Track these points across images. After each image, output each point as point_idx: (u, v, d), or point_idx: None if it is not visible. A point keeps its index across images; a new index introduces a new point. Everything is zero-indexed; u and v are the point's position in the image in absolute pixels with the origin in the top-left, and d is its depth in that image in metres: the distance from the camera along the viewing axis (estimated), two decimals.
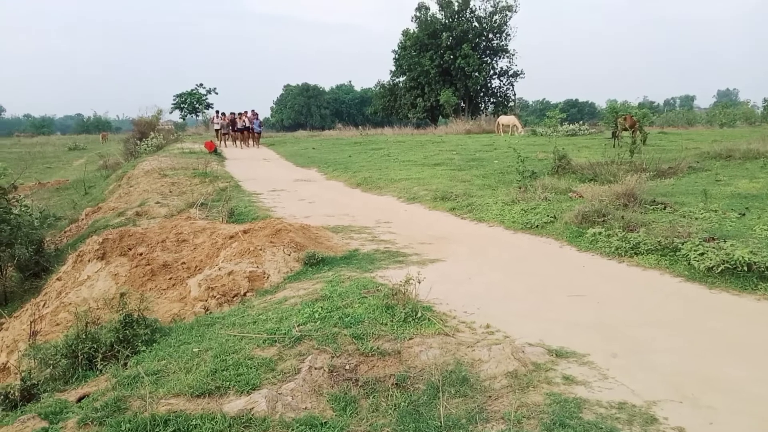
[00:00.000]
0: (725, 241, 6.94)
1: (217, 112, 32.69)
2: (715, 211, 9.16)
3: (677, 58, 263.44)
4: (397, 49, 56.93)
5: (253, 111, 32.37)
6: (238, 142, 31.24)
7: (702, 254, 6.76)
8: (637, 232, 7.97)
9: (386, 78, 60.68)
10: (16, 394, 4.82)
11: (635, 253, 7.55)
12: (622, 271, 7.15)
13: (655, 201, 9.99)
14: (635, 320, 5.46)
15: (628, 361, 4.54)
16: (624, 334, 5.10)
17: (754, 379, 4.22)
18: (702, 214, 9.04)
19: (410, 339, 4.86)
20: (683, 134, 27.92)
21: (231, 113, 31.89)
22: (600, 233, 8.31)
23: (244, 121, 31.02)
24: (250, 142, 31.40)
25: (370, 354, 4.62)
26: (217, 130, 31.28)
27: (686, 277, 6.66)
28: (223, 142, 30.35)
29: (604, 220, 8.74)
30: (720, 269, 6.41)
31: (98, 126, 77.82)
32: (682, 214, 9.09)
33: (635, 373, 4.32)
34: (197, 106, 57.13)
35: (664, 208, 9.55)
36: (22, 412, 4.31)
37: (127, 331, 5.37)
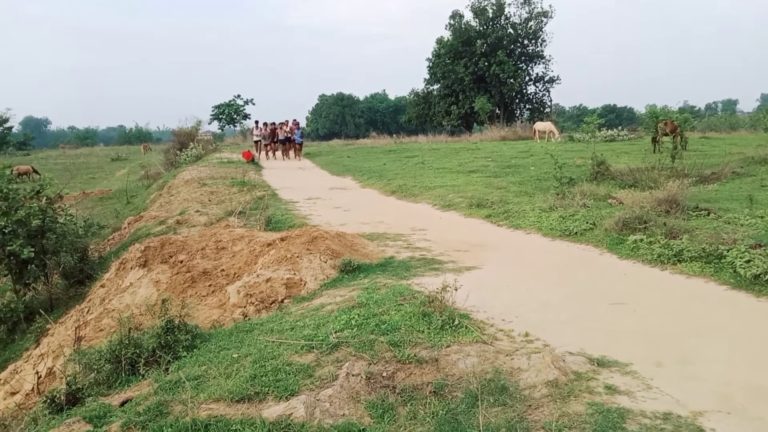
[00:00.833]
0: None
1: (257, 122, 30.69)
2: (762, 217, 8.86)
3: (719, 61, 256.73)
4: (431, 57, 56.96)
5: (294, 120, 30.57)
6: (278, 154, 29.92)
7: (748, 261, 6.55)
8: (680, 239, 7.77)
9: (420, 86, 60.78)
10: (62, 398, 4.93)
11: (678, 261, 7.36)
12: (665, 279, 6.97)
13: (698, 207, 9.73)
14: (680, 329, 5.31)
15: (673, 371, 4.42)
16: (668, 343, 4.97)
17: None
18: (747, 220, 8.75)
19: (447, 347, 4.82)
20: (726, 139, 27.20)
21: (272, 123, 30.14)
22: (641, 240, 8.13)
23: (285, 131, 29.52)
24: (291, 153, 29.91)
25: (407, 361, 4.60)
26: (256, 142, 29.84)
27: (732, 285, 6.46)
28: (263, 154, 29.40)
29: (645, 227, 8.55)
30: (767, 277, 6.20)
31: (140, 137, 79.74)
32: (727, 220, 8.82)
33: (680, 383, 4.20)
34: (235, 116, 58.30)
35: (708, 215, 9.29)
36: (67, 415, 4.42)
37: (169, 337, 5.47)
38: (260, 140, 29.38)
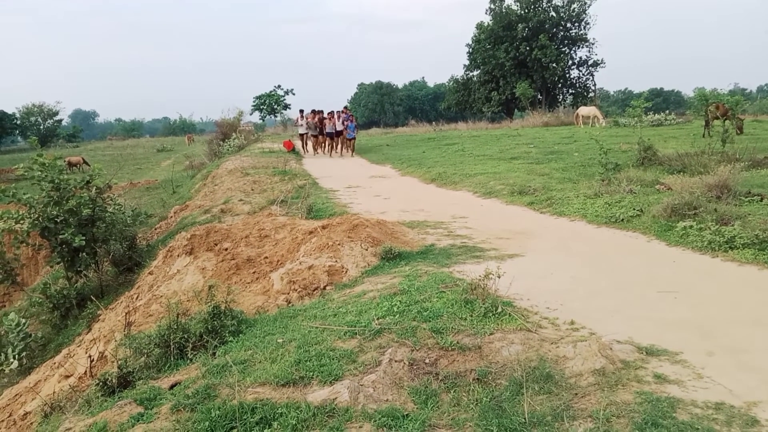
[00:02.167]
0: None
1: (302, 111, 26.35)
2: None
3: None
4: (470, 42, 56.28)
5: (345, 109, 25.79)
6: (326, 149, 25.58)
7: None
8: (732, 226, 7.51)
9: (459, 73, 60.15)
10: (114, 381, 5.07)
11: (730, 248, 7.12)
12: (716, 267, 6.75)
13: (750, 192, 9.39)
14: (732, 318, 5.14)
15: (726, 361, 4.29)
16: (720, 332, 4.82)
17: None
18: None
19: (491, 334, 4.78)
20: None
21: (319, 112, 25.73)
22: (691, 227, 7.89)
23: (334, 123, 24.75)
24: (340, 148, 25.50)
25: (449, 348, 4.59)
26: (301, 135, 26.29)
27: None
28: (310, 147, 25.83)
29: (695, 213, 8.29)
30: None
31: (184, 128, 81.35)
32: None
33: (733, 373, 4.07)
34: (275, 107, 58.80)
35: (761, 200, 8.96)
36: (119, 397, 4.55)
37: (215, 322, 5.57)
38: (307, 132, 25.79)
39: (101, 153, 49.14)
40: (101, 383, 5.08)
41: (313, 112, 25.75)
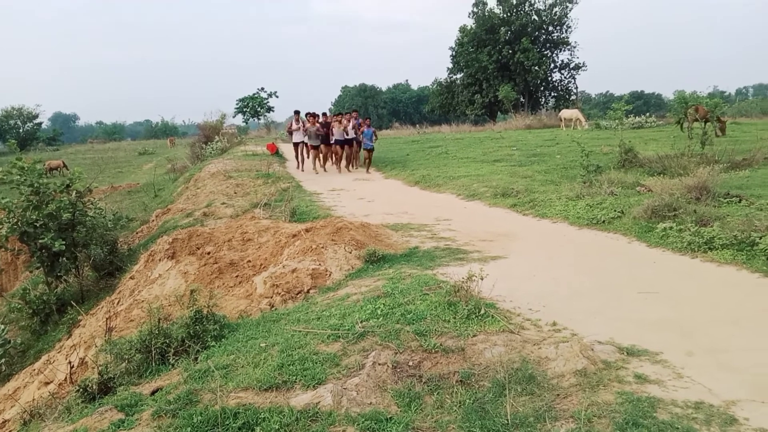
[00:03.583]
0: None
1: (297, 113, 20.12)
2: None
3: (750, 44, 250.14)
4: (454, 45, 56.47)
5: (355, 112, 20.86)
6: (333, 163, 19.98)
7: None
8: (711, 227, 7.61)
9: (443, 75, 60.34)
10: (94, 387, 5.02)
11: (709, 249, 7.21)
12: (695, 267, 6.84)
13: (729, 194, 9.53)
14: (711, 318, 5.21)
15: (705, 360, 4.34)
16: (700, 332, 4.88)
17: None
18: None
19: (474, 336, 4.80)
20: (758, 124, 26.55)
21: (322, 115, 20.57)
22: (671, 228, 7.98)
23: (344, 128, 19.06)
24: (350, 161, 20.05)
25: (433, 351, 4.60)
26: (296, 144, 20.07)
27: (765, 273, 6.32)
28: (310, 161, 19.99)
29: (675, 215, 8.40)
30: None
31: (166, 131, 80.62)
32: (759, 207, 8.60)
33: (713, 372, 4.13)
34: (259, 109, 58.53)
35: (739, 201, 9.09)
36: (100, 404, 4.49)
37: (197, 327, 5.53)
38: (303, 141, 19.80)
39: (82, 156, 48.55)
40: (81, 390, 5.02)
41: (313, 116, 19.81)
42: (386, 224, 9.93)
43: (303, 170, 19.76)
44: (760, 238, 6.83)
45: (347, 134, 19.28)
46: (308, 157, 20.27)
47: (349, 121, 19.56)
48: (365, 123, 19.56)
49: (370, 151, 19.46)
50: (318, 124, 19.37)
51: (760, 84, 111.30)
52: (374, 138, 19.42)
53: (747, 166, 13.20)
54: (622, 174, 12.51)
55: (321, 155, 19.80)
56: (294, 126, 19.78)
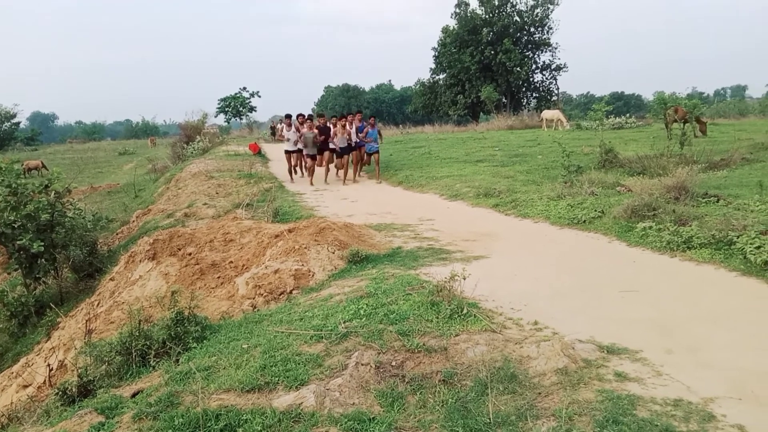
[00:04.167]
0: None
1: (289, 116, 17.57)
2: None
3: (727, 47, 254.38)
4: (436, 46, 56.59)
5: (358, 112, 18.18)
6: (333, 171, 17.38)
7: (758, 247, 6.50)
8: (690, 226, 7.72)
9: (426, 76, 60.46)
10: (74, 390, 4.96)
11: (688, 248, 7.32)
12: (674, 266, 6.94)
13: (707, 194, 9.68)
14: (690, 316, 5.29)
15: (684, 358, 4.41)
16: (679, 330, 4.95)
17: None
18: (757, 206, 8.69)
19: (456, 336, 4.82)
20: (735, 125, 26.98)
21: (319, 116, 17.70)
22: (650, 227, 8.08)
23: (348, 133, 16.51)
24: (354, 169, 17.36)
25: (416, 350, 4.61)
26: (289, 153, 17.35)
27: (742, 272, 6.42)
28: (306, 171, 17.13)
29: (654, 214, 8.50)
30: None
31: (146, 131, 79.83)
32: (737, 206, 8.76)
33: (691, 370, 4.19)
34: (241, 109, 58.22)
35: (717, 201, 9.23)
36: (79, 407, 4.44)
37: (179, 329, 5.49)
38: (297, 149, 17.14)
39: (61, 156, 47.92)
40: (61, 392, 4.97)
41: (308, 118, 17.21)
42: (369, 224, 9.93)
43: (293, 179, 17.41)
44: (738, 237, 6.94)
45: (351, 140, 16.67)
46: (303, 173, 17.44)
47: (352, 123, 16.93)
48: (370, 123, 17.16)
49: (375, 154, 17.19)
50: (316, 130, 16.39)
51: (738, 85, 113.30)
52: (380, 139, 17.21)
53: (725, 166, 13.41)
54: (603, 174, 12.64)
55: (319, 166, 17.01)
56: (286, 132, 17.25)
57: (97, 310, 9.07)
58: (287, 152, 17.45)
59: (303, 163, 17.63)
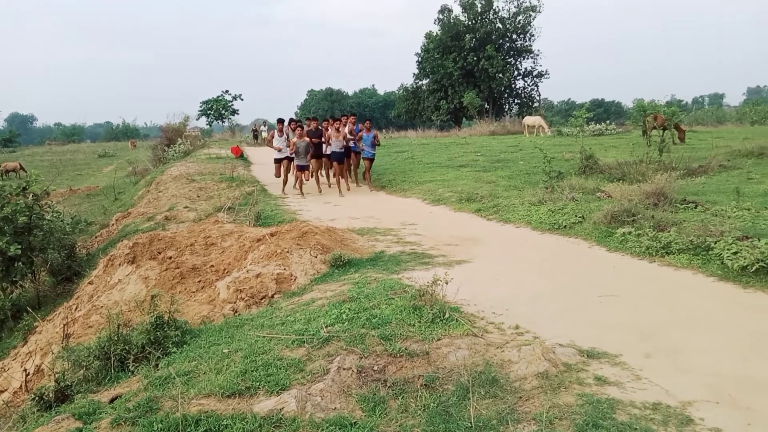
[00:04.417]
0: (759, 240, 6.77)
1: (281, 121, 16.17)
2: (748, 209, 8.95)
3: (705, 56, 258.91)
4: (420, 51, 56.88)
5: (352, 115, 17.56)
6: (330, 184, 16.19)
7: (735, 253, 6.61)
8: (668, 232, 7.83)
9: (409, 81, 60.67)
10: (51, 395, 4.89)
11: (666, 253, 7.42)
12: (653, 271, 7.02)
13: (685, 200, 9.81)
14: (668, 320, 5.35)
15: (662, 362, 4.46)
16: (657, 335, 5.01)
17: None
18: (734, 212, 8.84)
19: (438, 340, 4.83)
20: (713, 132, 27.40)
21: (312, 119, 17.21)
22: (630, 233, 8.18)
23: (343, 136, 15.49)
24: (348, 178, 16.41)
25: (398, 355, 4.60)
26: (278, 162, 16.01)
27: (719, 277, 6.53)
28: (298, 180, 15.25)
29: (633, 220, 8.60)
30: (754, 268, 6.26)
31: (127, 133, 79.06)
32: (714, 212, 8.90)
33: (669, 374, 4.24)
34: (223, 112, 57.92)
35: (695, 207, 9.37)
36: (56, 412, 4.38)
37: (158, 333, 5.44)
38: (286, 157, 15.67)
39: (39, 158, 47.20)
40: (37, 398, 4.89)
41: (298, 124, 16.05)
42: (352, 229, 9.92)
43: (284, 191, 15.70)
44: (715, 243, 7.05)
45: (347, 144, 15.68)
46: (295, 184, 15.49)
47: (345, 126, 16.09)
48: (365, 127, 15.96)
49: (371, 160, 15.93)
50: (307, 138, 15.09)
51: (716, 93, 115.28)
52: (376, 143, 15.97)
53: (703, 173, 13.60)
54: (583, 180, 12.77)
55: (313, 174, 15.85)
56: (277, 139, 15.82)
57: (76, 314, 8.94)
58: (276, 161, 16.20)
59: (290, 170, 15.99)
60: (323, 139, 15.61)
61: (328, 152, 15.71)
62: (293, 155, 15.07)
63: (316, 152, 15.53)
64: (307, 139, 15.06)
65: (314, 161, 15.71)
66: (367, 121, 16.45)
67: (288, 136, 15.62)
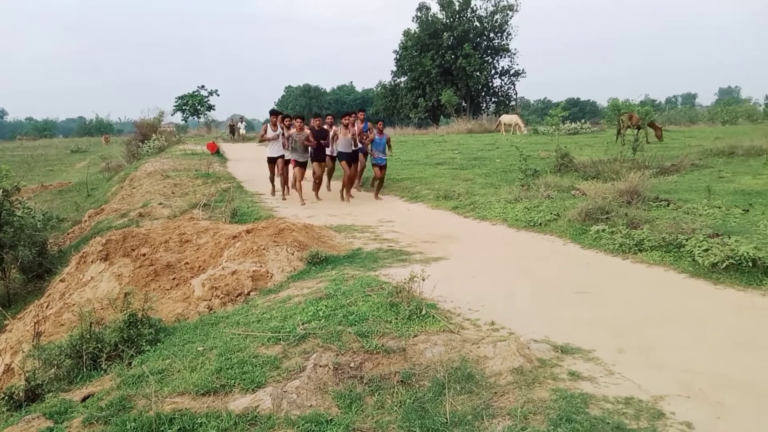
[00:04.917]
0: (729, 237, 6.91)
1: (275, 113, 14.39)
2: (719, 207, 9.14)
3: (678, 56, 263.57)
4: (398, 49, 56.98)
5: (361, 111, 15.10)
6: (328, 188, 14.82)
7: (706, 250, 6.74)
8: (641, 229, 7.95)
9: (387, 78, 60.75)
10: (21, 394, 4.80)
11: (639, 250, 7.53)
12: (626, 268, 7.13)
13: (658, 198, 9.98)
14: (641, 316, 5.44)
15: (635, 357, 4.53)
16: (630, 330, 5.08)
17: (761, 374, 4.20)
18: (706, 210, 9.02)
19: (415, 336, 4.84)
20: (685, 132, 27.90)
21: (314, 117, 13.98)
22: (603, 230, 8.29)
23: (353, 136, 13.50)
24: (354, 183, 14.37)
25: (374, 351, 4.60)
26: (272, 160, 14.10)
27: (691, 273, 6.65)
28: (297, 185, 13.45)
29: (607, 218, 8.72)
30: (725, 265, 6.39)
31: (100, 128, 77.74)
32: (686, 210, 9.07)
33: (642, 369, 4.30)
34: (199, 107, 57.32)
35: (668, 205, 9.53)
36: (26, 411, 4.30)
37: (132, 331, 5.36)
38: (282, 156, 13.91)
39: (10, 153, 46.13)
40: (7, 397, 4.79)
41: (299, 120, 13.61)
42: (329, 226, 9.89)
43: (285, 197, 13.85)
44: (687, 240, 7.18)
45: (355, 144, 13.59)
46: (294, 185, 13.74)
47: (354, 125, 13.81)
48: (377, 128, 13.62)
49: (383, 168, 13.66)
50: (308, 130, 13.45)
51: (688, 93, 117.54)
52: (389, 149, 13.88)
53: (675, 171, 13.85)
54: (559, 178, 12.91)
55: (316, 180, 13.86)
56: (270, 133, 13.82)
57: (47, 312, 8.77)
58: (270, 159, 14.20)
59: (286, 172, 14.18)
60: (330, 138, 13.83)
61: (337, 153, 13.77)
62: (289, 150, 13.43)
63: (319, 155, 13.53)
64: (308, 131, 13.43)
65: (316, 165, 13.64)
66: (380, 122, 13.89)
67: (282, 132, 13.72)
